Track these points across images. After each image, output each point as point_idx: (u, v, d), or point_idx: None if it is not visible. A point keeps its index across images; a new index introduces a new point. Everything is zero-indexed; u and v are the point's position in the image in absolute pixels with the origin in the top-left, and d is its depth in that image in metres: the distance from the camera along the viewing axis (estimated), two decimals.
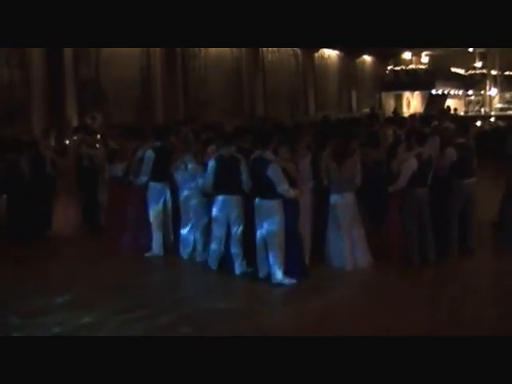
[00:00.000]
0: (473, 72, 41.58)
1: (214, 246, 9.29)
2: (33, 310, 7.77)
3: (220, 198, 9.07)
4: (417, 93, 40.52)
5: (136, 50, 20.45)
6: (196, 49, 23.10)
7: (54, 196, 11.91)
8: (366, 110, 27.94)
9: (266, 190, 8.55)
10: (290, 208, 8.66)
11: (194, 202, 9.78)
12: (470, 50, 38.18)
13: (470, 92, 42.29)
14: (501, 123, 28.12)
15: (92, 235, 11.67)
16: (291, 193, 8.55)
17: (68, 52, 17.90)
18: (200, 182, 9.50)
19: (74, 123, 17.12)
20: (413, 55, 40.27)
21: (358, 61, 35.68)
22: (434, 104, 35.09)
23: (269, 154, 8.68)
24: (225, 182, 8.95)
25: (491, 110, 40.09)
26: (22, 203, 11.45)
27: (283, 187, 8.47)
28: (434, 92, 37.86)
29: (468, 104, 42.71)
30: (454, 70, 40.59)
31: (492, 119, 31.73)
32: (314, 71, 31.29)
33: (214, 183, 9.07)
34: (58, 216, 11.95)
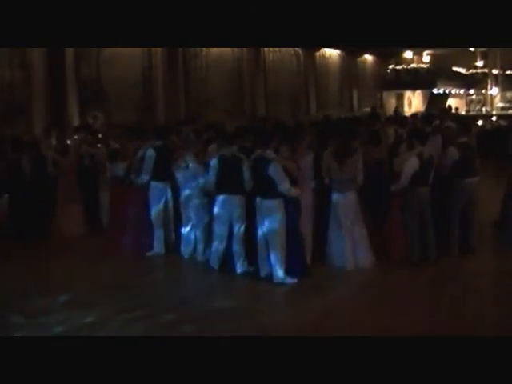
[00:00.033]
0: (474, 71, 41.54)
1: (215, 245, 9.29)
2: (34, 310, 7.77)
3: (222, 197, 9.07)
4: (418, 92, 40.50)
5: (137, 50, 20.44)
6: (197, 49, 23.08)
7: (55, 196, 11.90)
8: (367, 110, 27.91)
9: (267, 189, 8.55)
10: (291, 207, 8.65)
11: (194, 201, 9.79)
12: (472, 49, 38.13)
13: (472, 91, 42.26)
14: (502, 122, 28.09)
15: (93, 235, 11.69)
16: (292, 191, 8.54)
17: (69, 52, 17.88)
18: (201, 181, 9.51)
19: (76, 123, 17.10)
20: (414, 54, 40.25)
21: (359, 60, 35.66)
22: (436, 103, 35.08)
23: (270, 153, 8.67)
24: (227, 181, 8.95)
25: (492, 110, 40.07)
26: (23, 203, 11.45)
27: (284, 186, 8.46)
28: (435, 91, 37.84)
29: (469, 103, 42.68)
30: (455, 69, 40.56)
31: (493, 118, 31.70)
32: (315, 71, 31.27)
33: (216, 183, 9.07)
34: (60, 216, 11.94)
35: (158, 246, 10.29)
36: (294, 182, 8.59)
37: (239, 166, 8.90)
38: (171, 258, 10.17)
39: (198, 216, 9.81)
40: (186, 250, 10.06)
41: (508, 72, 40.62)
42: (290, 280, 8.62)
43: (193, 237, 9.98)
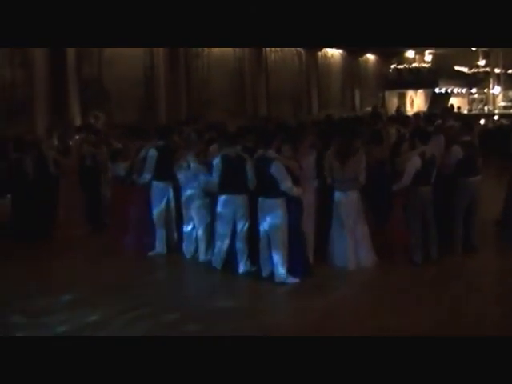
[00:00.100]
0: (476, 70, 41.53)
1: (218, 245, 9.28)
2: (36, 310, 7.76)
3: (226, 197, 9.06)
4: (420, 91, 40.48)
5: (139, 50, 20.46)
6: (199, 48, 23.10)
7: (57, 196, 11.90)
8: (369, 109, 27.91)
9: (269, 188, 8.54)
10: (294, 206, 8.65)
11: (196, 201, 9.78)
12: (474, 48, 38.10)
13: (474, 90, 42.25)
14: (504, 121, 28.07)
15: (95, 234, 11.68)
16: (295, 190, 8.53)
17: (71, 52, 17.91)
18: (203, 181, 9.50)
19: (77, 123, 17.12)
20: (416, 54, 40.23)
21: (361, 59, 35.67)
22: (438, 102, 35.04)
23: (272, 153, 8.67)
24: (230, 181, 8.94)
25: (495, 109, 40.06)
26: (26, 203, 11.45)
27: (287, 184, 8.46)
28: (437, 90, 37.82)
29: (471, 102, 42.66)
30: (457, 68, 40.54)
31: (495, 117, 31.69)
32: (317, 70, 31.27)
33: (220, 183, 9.06)
34: (62, 216, 11.94)
35: (160, 246, 10.29)
36: (296, 181, 8.59)
37: (243, 166, 8.90)
38: (173, 257, 10.17)
39: (199, 216, 9.80)
40: (187, 250, 10.06)
41: (510, 71, 40.62)
42: (291, 279, 8.61)
43: (194, 237, 9.97)
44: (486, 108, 40.91)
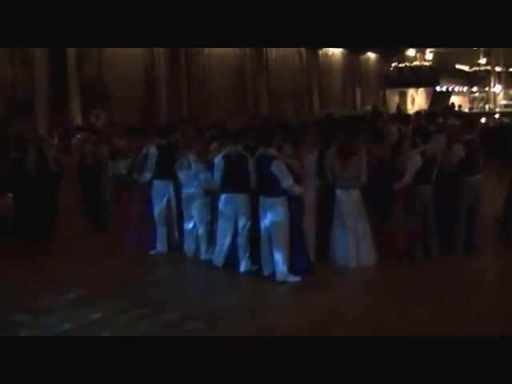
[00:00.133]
0: (477, 69, 41.57)
1: (220, 243, 9.28)
2: (37, 310, 7.75)
3: (227, 195, 9.05)
4: (421, 90, 40.50)
5: (140, 49, 20.48)
6: None
7: (57, 195, 11.90)
8: (369, 108, 27.93)
9: (271, 187, 8.53)
10: (295, 205, 8.64)
11: (197, 200, 9.77)
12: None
13: (475, 89, 42.28)
14: (505, 120, 28.04)
15: (96, 234, 11.67)
16: (296, 189, 8.53)
17: (71, 51, 17.92)
18: (203, 180, 9.50)
19: (78, 122, 17.13)
20: (417, 52, 40.27)
21: (362, 58, 35.68)
22: (439, 101, 35.10)
23: (273, 151, 8.66)
24: (233, 180, 8.93)
25: (496, 107, 40.09)
26: (27, 202, 11.45)
27: (288, 183, 8.45)
28: (438, 89, 37.83)
29: (472, 101, 42.70)
30: (458, 66, 40.57)
31: (496, 116, 31.67)
32: (318, 69, 31.28)
33: (222, 181, 9.05)
34: (62, 215, 11.95)
35: (161, 245, 10.29)
36: (297, 179, 8.58)
37: (245, 165, 8.89)
38: (174, 256, 10.17)
39: (200, 214, 9.80)
40: (188, 249, 10.06)
41: (511, 69, 40.59)
42: (293, 278, 8.61)
43: (195, 235, 9.97)
44: (486, 106, 40.94)
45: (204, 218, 9.77)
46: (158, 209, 10.22)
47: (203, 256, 9.80)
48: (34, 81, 17.15)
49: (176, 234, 10.43)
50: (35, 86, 17.20)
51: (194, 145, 9.97)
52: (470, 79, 41.10)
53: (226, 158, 9.03)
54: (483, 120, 26.84)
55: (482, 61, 41.52)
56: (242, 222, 9.06)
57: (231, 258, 9.22)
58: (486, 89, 42.04)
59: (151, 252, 10.24)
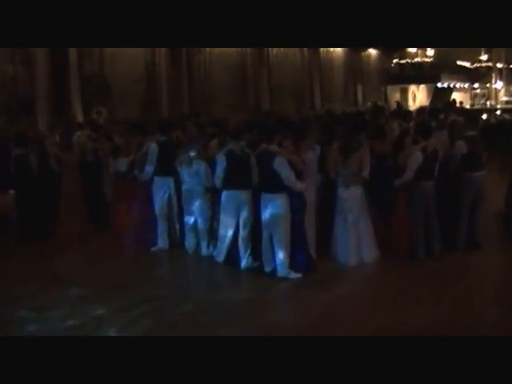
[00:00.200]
0: (478, 65, 41.54)
1: (221, 240, 9.28)
2: (39, 306, 7.76)
3: (230, 192, 9.04)
4: (422, 86, 40.47)
5: None
6: None
7: (59, 192, 11.89)
8: (369, 104, 27.91)
9: (272, 183, 8.53)
10: (296, 202, 8.63)
11: (197, 197, 9.77)
12: None
13: (476, 85, 42.25)
14: (506, 116, 28.07)
15: (97, 231, 11.65)
16: (298, 185, 8.52)
17: (72, 49, 17.90)
18: (204, 176, 9.51)
19: (79, 119, 17.12)
20: (418, 48, 40.18)
21: (363, 54, 35.64)
22: (440, 97, 35.03)
23: (274, 147, 8.66)
24: (235, 177, 8.92)
25: (497, 103, 40.09)
26: (29, 199, 11.43)
27: (290, 179, 8.44)
28: (439, 85, 37.80)
29: (474, 97, 42.68)
30: (459, 63, 40.53)
31: (498, 112, 31.66)
32: (320, 65, 31.25)
33: (225, 178, 9.05)
34: (64, 212, 11.94)
35: (162, 241, 10.29)
36: (298, 176, 8.57)
37: (247, 162, 8.89)
38: (175, 253, 10.17)
39: (201, 211, 9.80)
40: (189, 245, 10.06)
41: None
42: (294, 275, 8.61)
43: (196, 232, 9.97)
44: (488, 103, 40.94)
45: (205, 214, 9.77)
46: (159, 205, 10.22)
47: (204, 252, 9.81)
48: (34, 79, 17.14)
49: (177, 230, 10.43)
50: (36, 85, 17.19)
51: (195, 142, 9.97)
52: (471, 76, 41.08)
53: (229, 155, 9.02)
54: (484, 116, 26.85)
55: (484, 57, 41.47)
56: (243, 218, 9.05)
57: (232, 254, 9.22)
58: (488, 85, 42.02)
59: (152, 249, 10.24)
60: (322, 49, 31.13)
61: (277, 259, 8.65)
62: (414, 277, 8.66)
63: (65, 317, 7.41)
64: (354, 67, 34.55)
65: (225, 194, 9.12)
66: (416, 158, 9.09)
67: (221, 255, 9.30)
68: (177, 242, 10.37)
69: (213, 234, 9.69)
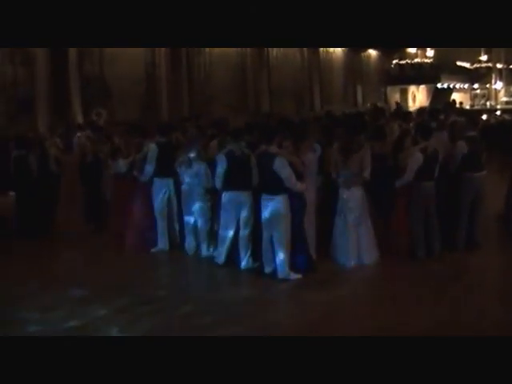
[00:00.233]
0: (478, 66, 41.56)
1: (221, 241, 9.27)
2: (39, 306, 7.76)
3: (230, 194, 9.04)
4: (422, 87, 40.48)
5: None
6: None
7: (58, 193, 11.90)
8: (369, 105, 27.93)
9: (272, 184, 8.52)
10: (296, 202, 8.63)
11: (198, 198, 9.77)
12: None
13: (476, 85, 42.26)
14: (506, 117, 28.06)
15: (96, 231, 11.65)
16: (298, 186, 8.52)
17: (72, 49, 17.92)
18: (204, 178, 9.51)
19: (79, 120, 17.13)
20: (418, 49, 40.21)
21: (363, 55, 35.66)
22: (440, 98, 35.05)
23: (274, 148, 8.66)
24: (236, 178, 8.92)
25: (497, 104, 40.10)
26: (29, 201, 11.44)
27: (290, 180, 8.44)
28: (439, 86, 37.82)
29: (474, 98, 42.69)
30: (459, 63, 40.54)
31: (498, 113, 31.66)
32: (320, 66, 31.27)
33: (225, 179, 9.05)
34: (63, 213, 11.95)
35: (162, 242, 10.29)
36: (298, 177, 8.57)
37: (248, 163, 8.89)
38: (175, 254, 10.16)
39: (201, 212, 9.80)
40: (189, 246, 10.06)
41: None
42: (294, 276, 8.60)
43: (196, 233, 9.97)
44: (488, 103, 40.95)
45: (205, 215, 9.77)
46: (159, 207, 10.22)
47: (204, 253, 9.81)
48: (34, 80, 17.15)
49: (177, 231, 10.43)
50: (36, 85, 17.20)
51: (195, 143, 9.97)
52: (471, 76, 41.10)
53: (229, 156, 9.02)
54: (484, 117, 26.86)
55: (483, 58, 41.49)
56: (243, 219, 9.05)
57: (232, 255, 9.22)
58: (487, 86, 42.03)
59: (152, 250, 10.24)
60: (321, 50, 31.14)
61: (277, 260, 8.64)
62: (414, 277, 8.66)
63: (65, 317, 7.41)
64: (354, 68, 34.57)
65: (225, 195, 9.12)
66: (416, 158, 9.09)
67: (221, 256, 9.30)
68: (177, 243, 10.37)
69: (213, 236, 9.69)
